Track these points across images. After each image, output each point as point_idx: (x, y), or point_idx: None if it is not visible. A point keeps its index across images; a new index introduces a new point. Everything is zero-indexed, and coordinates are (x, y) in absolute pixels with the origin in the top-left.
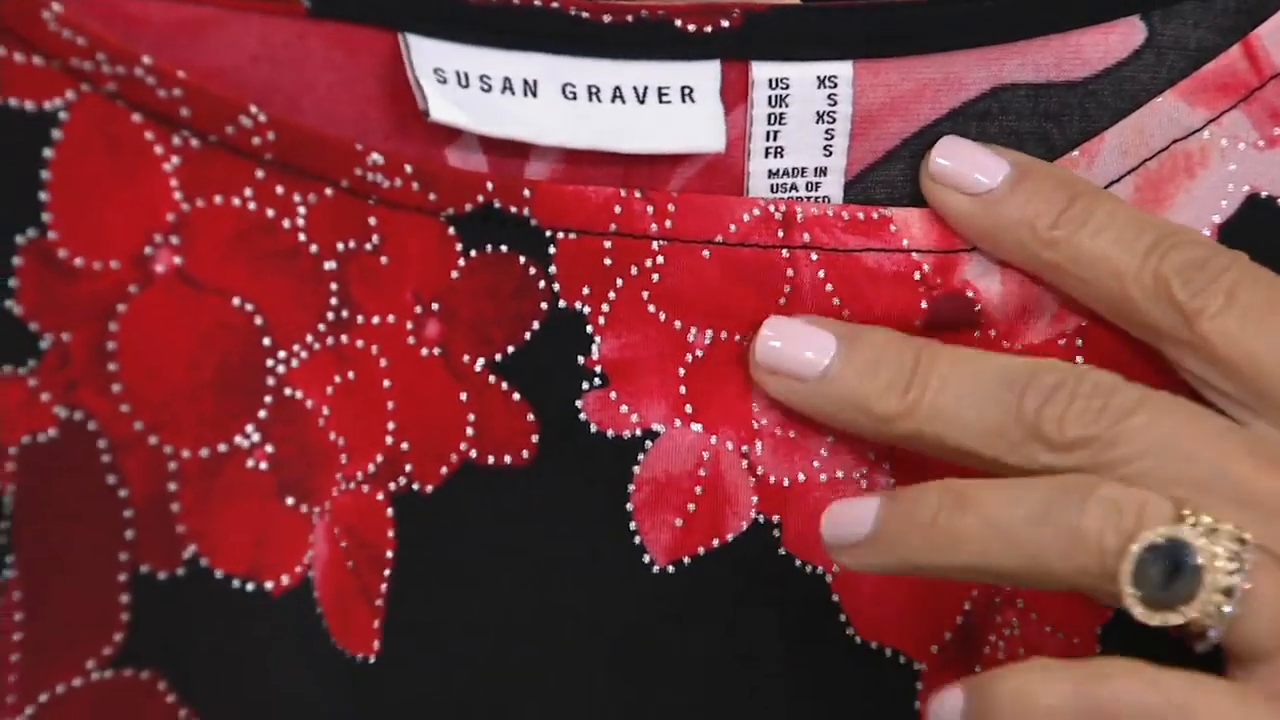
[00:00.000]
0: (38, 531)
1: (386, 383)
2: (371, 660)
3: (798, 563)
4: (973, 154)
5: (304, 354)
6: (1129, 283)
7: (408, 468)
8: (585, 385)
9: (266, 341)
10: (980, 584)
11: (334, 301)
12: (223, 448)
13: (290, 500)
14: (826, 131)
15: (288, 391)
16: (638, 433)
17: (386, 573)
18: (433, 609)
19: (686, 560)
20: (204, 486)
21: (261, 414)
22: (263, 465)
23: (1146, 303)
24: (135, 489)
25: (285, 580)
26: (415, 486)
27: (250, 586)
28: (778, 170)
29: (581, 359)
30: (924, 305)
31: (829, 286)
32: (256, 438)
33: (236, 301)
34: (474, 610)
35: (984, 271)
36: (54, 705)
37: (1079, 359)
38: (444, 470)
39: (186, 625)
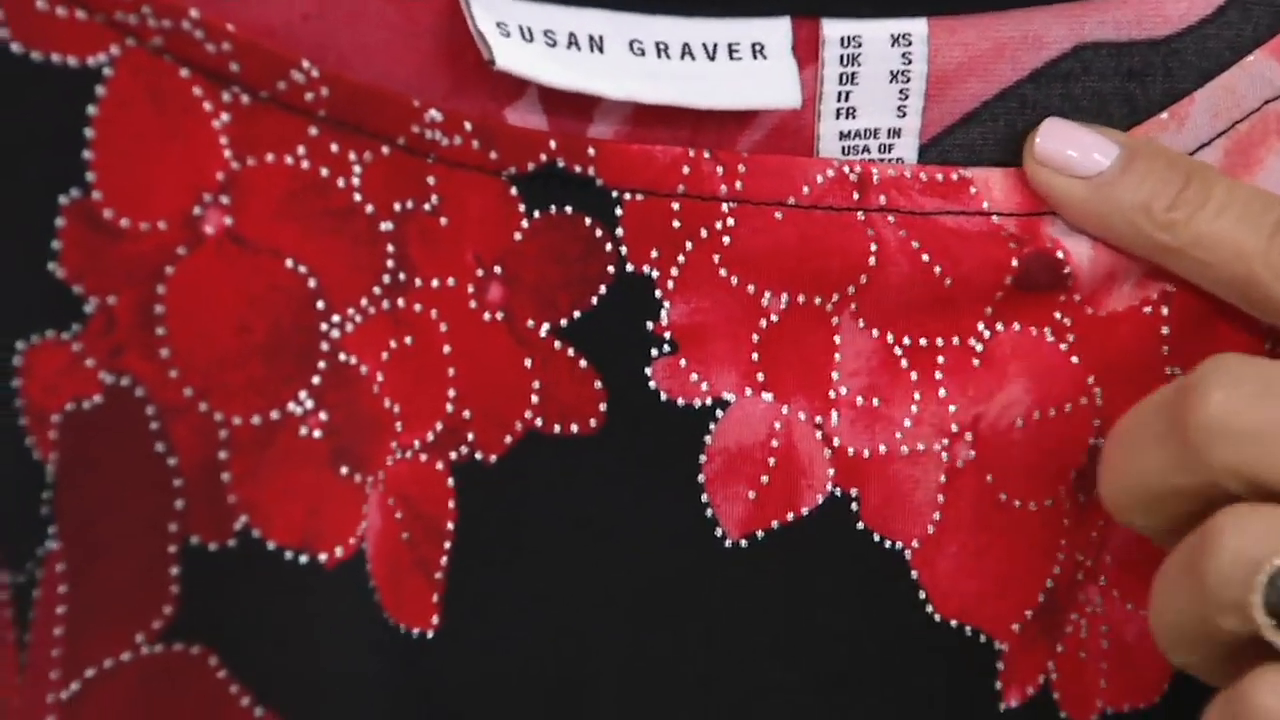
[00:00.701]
0: (82, 501)
1: (446, 348)
2: (429, 635)
3: (876, 538)
4: (1078, 135)
5: (359, 318)
6: (1256, 264)
7: (469, 436)
8: (654, 352)
9: (320, 305)
10: (1066, 560)
11: (390, 264)
12: (275, 415)
13: (344, 469)
14: (901, 92)
15: (342, 357)
16: (708, 401)
17: (446, 545)
18: (496, 582)
19: (760, 534)
20: (256, 455)
21: (315, 380)
22: (316, 433)
23: (1276, 283)
24: (185, 457)
25: (339, 552)
26: (477, 456)
27: (303, 559)
28: (849, 132)
29: (650, 324)
30: (1015, 263)
31: (915, 244)
32: (310, 404)
33: (289, 263)
34: (539, 584)
35: (1069, 233)
36: (101, 680)
37: (1165, 329)
38: (507, 439)
39: (238, 598)
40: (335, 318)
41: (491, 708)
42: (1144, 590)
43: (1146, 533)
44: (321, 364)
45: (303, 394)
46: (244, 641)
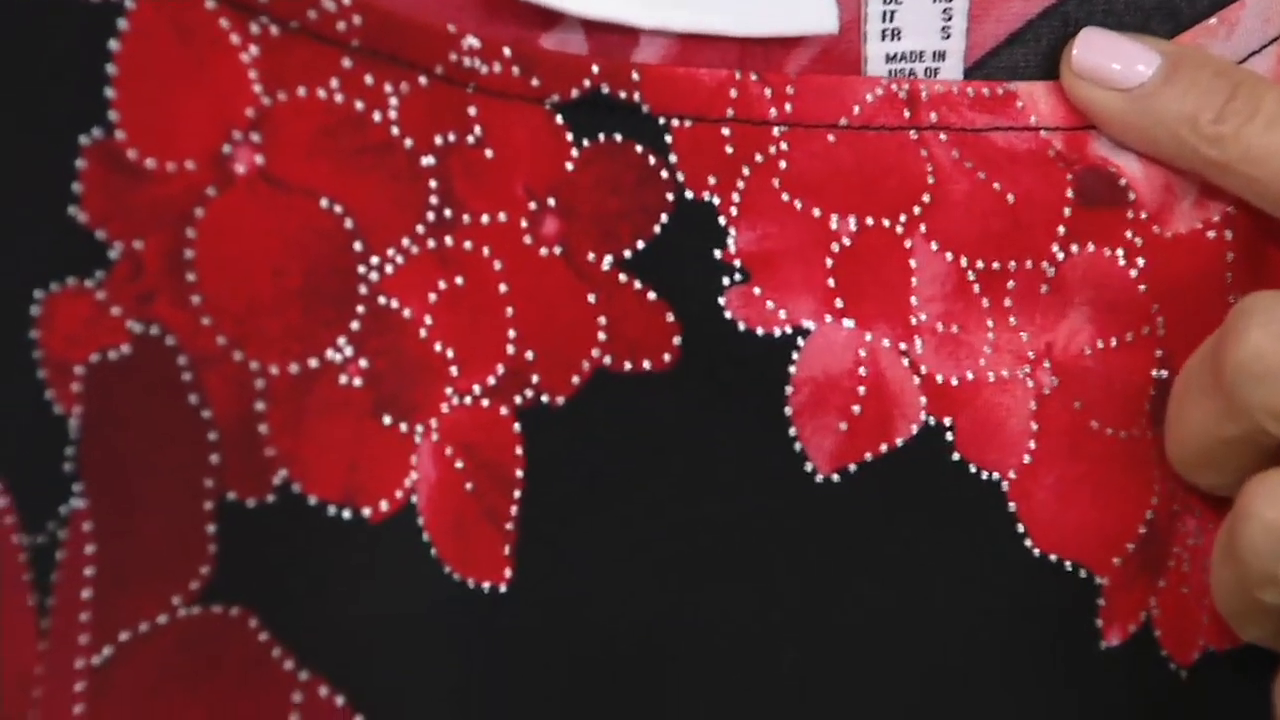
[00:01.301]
0: (111, 457)
1: (503, 287)
2: (503, 589)
3: (972, 469)
4: (1118, 45)
5: (400, 259)
6: None
7: (534, 379)
8: (726, 281)
9: (358, 246)
10: (1161, 490)
11: (434, 200)
12: (313, 363)
13: (388, 419)
14: (944, 12)
15: (382, 300)
16: (788, 330)
17: (516, 494)
18: (572, 530)
19: (853, 467)
20: (294, 405)
21: (354, 325)
22: (356, 381)
23: None
24: (219, 409)
25: (384, 506)
26: (544, 399)
27: (346, 514)
28: (895, 54)
29: (718, 252)
30: (1070, 177)
31: (969, 164)
32: (349, 351)
33: (324, 203)
34: (619, 530)
35: (1115, 149)
36: (136, 644)
37: (1230, 254)
38: (575, 379)
39: (279, 557)
40: (374, 259)
41: (571, 660)
42: None
43: (1219, 491)
44: (360, 308)
45: (341, 340)
46: (286, 602)
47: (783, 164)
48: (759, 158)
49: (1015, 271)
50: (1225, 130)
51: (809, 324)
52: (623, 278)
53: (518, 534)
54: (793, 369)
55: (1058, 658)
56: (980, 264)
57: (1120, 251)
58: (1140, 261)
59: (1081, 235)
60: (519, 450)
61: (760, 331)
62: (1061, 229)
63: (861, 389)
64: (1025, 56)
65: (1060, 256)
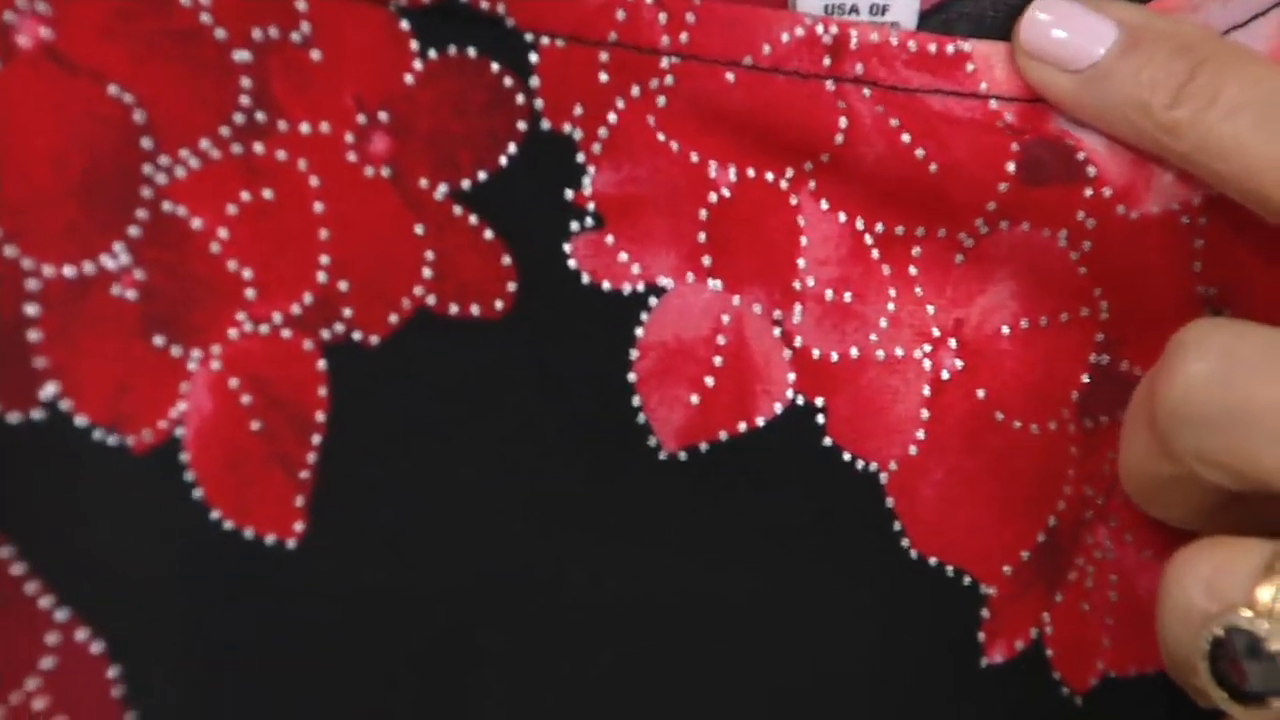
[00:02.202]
0: None
1: (318, 205)
2: (291, 545)
3: (845, 456)
4: (1073, 17)
5: (195, 162)
6: (1267, 180)
7: (346, 312)
8: (575, 225)
9: (145, 143)
10: (1072, 493)
11: (245, 101)
12: (89, 268)
13: (159, 339)
14: None
15: (167, 206)
16: (640, 287)
17: (315, 439)
18: (376, 486)
19: (704, 446)
20: (68, 312)
21: (132, 231)
22: (129, 294)
23: None
24: None
25: (148, 436)
26: (355, 336)
27: (111, 440)
28: None
29: (570, 193)
30: (1015, 148)
31: (894, 121)
32: (125, 259)
33: (113, 90)
34: (429, 489)
35: (1078, 124)
36: None
37: (1199, 241)
38: (393, 318)
39: (40, 481)
40: (163, 159)
41: (365, 632)
42: (1163, 535)
43: (1172, 523)
44: (141, 213)
45: (117, 246)
46: (45, 532)
47: (662, 100)
48: (636, 90)
49: (923, 238)
50: (1180, 116)
51: (665, 281)
52: (457, 210)
53: (314, 484)
54: (640, 331)
55: (933, 673)
56: (880, 227)
57: (1063, 233)
58: (1086, 245)
59: (1016, 213)
60: (322, 390)
61: (607, 286)
62: (991, 205)
63: (718, 359)
64: (994, 4)
65: (983, 230)
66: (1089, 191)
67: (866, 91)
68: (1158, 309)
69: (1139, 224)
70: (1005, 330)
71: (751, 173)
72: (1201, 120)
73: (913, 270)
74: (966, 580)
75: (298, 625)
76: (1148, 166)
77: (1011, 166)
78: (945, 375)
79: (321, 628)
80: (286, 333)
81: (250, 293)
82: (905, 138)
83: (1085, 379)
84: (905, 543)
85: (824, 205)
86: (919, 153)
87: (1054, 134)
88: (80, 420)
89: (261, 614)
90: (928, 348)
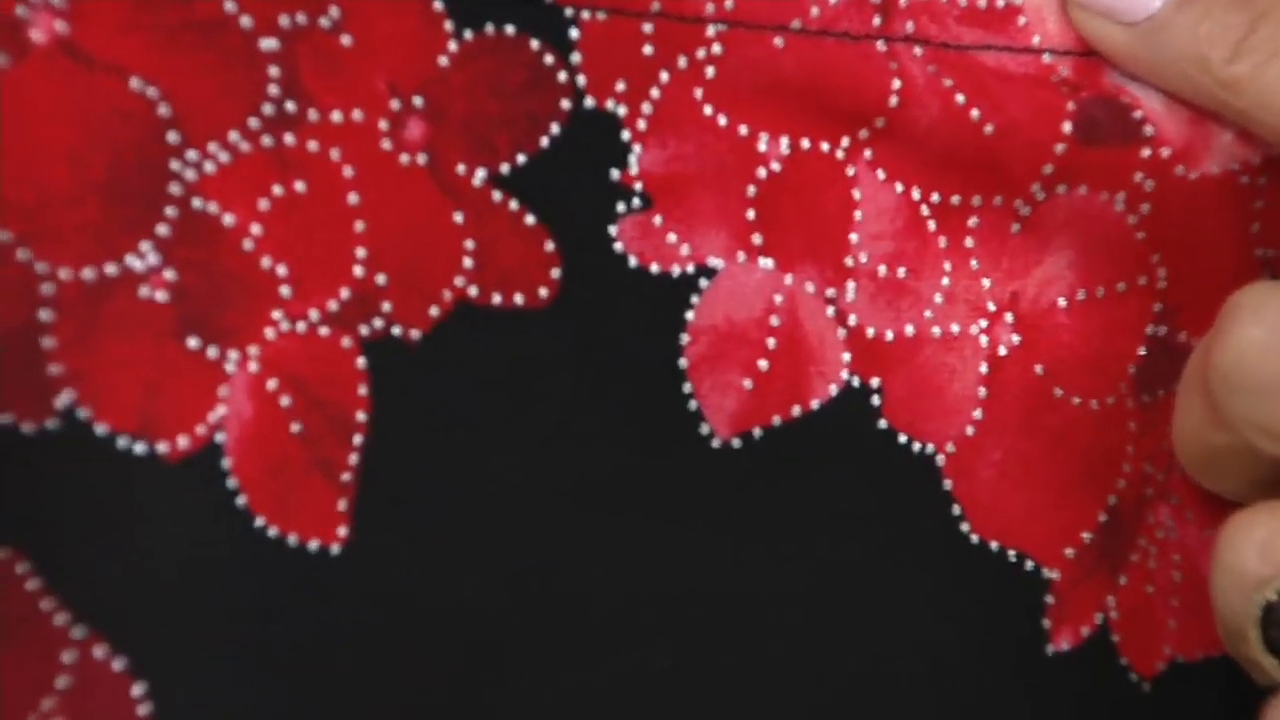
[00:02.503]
0: None
1: (353, 197)
2: (335, 550)
3: (902, 439)
4: None
5: (225, 156)
6: None
7: (385, 307)
8: (621, 207)
9: (172, 137)
10: (1133, 471)
11: (274, 90)
12: (111, 269)
13: (194, 342)
14: None
15: (198, 203)
16: (690, 269)
17: (357, 440)
18: (421, 487)
19: (757, 432)
20: (87, 317)
21: (161, 230)
22: (159, 295)
23: None
24: None
25: (184, 443)
26: (395, 331)
27: (139, 448)
28: None
29: (616, 173)
30: (1071, 107)
31: (947, 81)
32: (154, 259)
33: (135, 84)
34: (475, 488)
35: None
36: None
37: (1260, 202)
38: (434, 311)
39: (57, 493)
40: (191, 154)
41: (412, 639)
42: (1226, 511)
43: (1227, 496)
44: (170, 210)
45: (145, 246)
46: (62, 547)
47: (710, 71)
48: (683, 62)
49: (980, 207)
50: (1240, 71)
51: (716, 262)
52: (497, 196)
53: (357, 488)
54: (690, 315)
55: (998, 662)
56: (936, 197)
57: (1121, 196)
58: (1144, 208)
59: (1073, 176)
60: (363, 390)
61: (656, 269)
62: (1048, 168)
63: (772, 341)
64: None
65: (1040, 196)
66: (1146, 152)
67: (918, 50)
68: (1215, 274)
69: (1198, 185)
70: (1062, 302)
71: (805, 144)
72: (1261, 75)
73: (969, 242)
74: (1029, 565)
75: (342, 632)
76: (1206, 125)
77: (1068, 126)
78: (1003, 351)
79: (367, 633)
80: (324, 330)
81: (286, 290)
82: (960, 98)
83: (1142, 351)
84: (965, 527)
85: (881, 175)
86: (974, 113)
87: (1110, 90)
88: (100, 428)
89: (305, 622)
90: (984, 323)
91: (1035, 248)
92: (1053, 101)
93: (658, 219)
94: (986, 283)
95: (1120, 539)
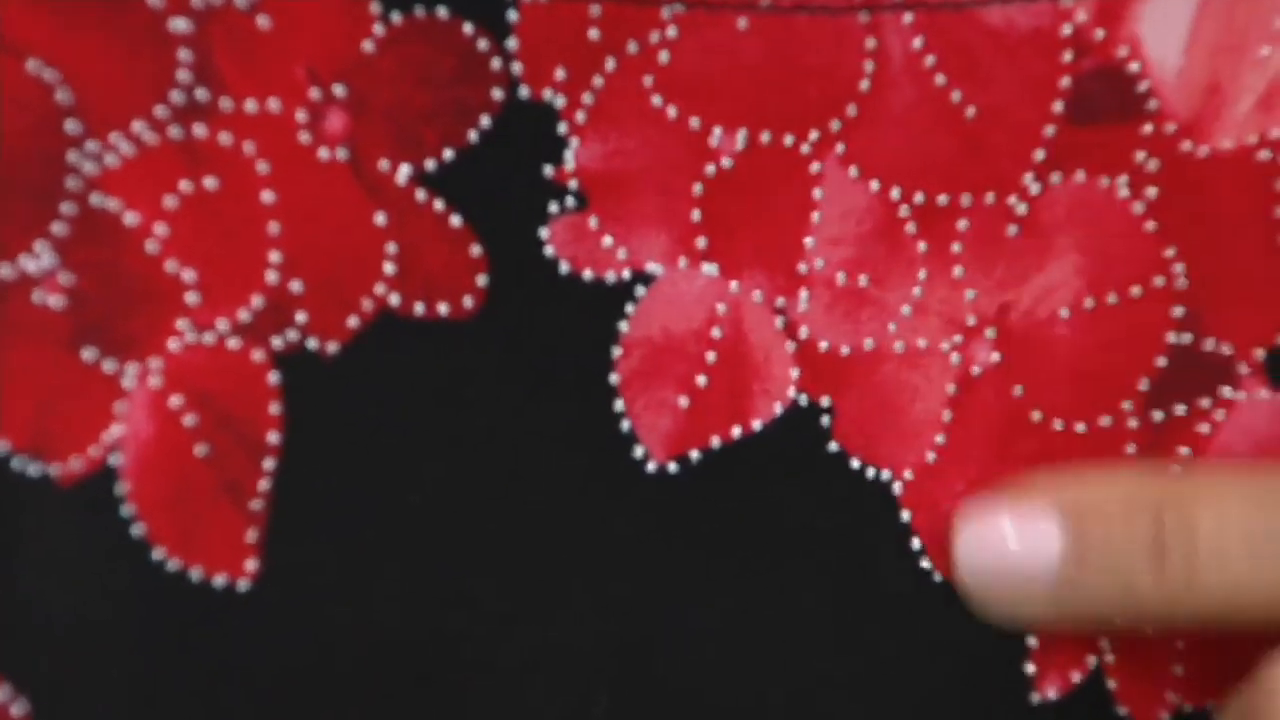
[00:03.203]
0: None
1: (267, 195)
2: (242, 585)
3: (854, 464)
4: (1003, 524)
5: (128, 147)
6: None
7: (299, 317)
8: (554, 207)
9: (71, 126)
10: None
11: (184, 76)
12: (5, 271)
13: (89, 354)
14: None
15: (97, 200)
16: (625, 275)
17: (268, 463)
18: (339, 515)
19: (695, 455)
20: None
21: (57, 228)
22: (53, 301)
23: None
24: None
25: (77, 465)
26: (311, 344)
27: (32, 470)
28: None
29: (550, 170)
30: (1064, 84)
31: (929, 60)
32: (49, 261)
33: (32, 66)
34: (397, 517)
35: (1164, 26)
36: None
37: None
38: (352, 322)
39: None
40: (91, 145)
41: (325, 680)
42: None
43: None
44: (67, 207)
45: (39, 246)
46: None
47: (663, 56)
48: (633, 47)
49: (970, 208)
50: (1174, 589)
51: (654, 268)
52: (421, 195)
53: (267, 516)
54: (624, 326)
55: (974, 713)
56: (920, 197)
57: (1122, 180)
58: (1150, 192)
59: (1067, 160)
60: (275, 408)
61: (589, 275)
62: (1039, 153)
63: (711, 355)
64: None
65: (1034, 189)
66: (1148, 128)
67: (908, 17)
68: (1238, 266)
69: (1209, 163)
70: (1064, 314)
71: (765, 137)
72: (1199, 582)
73: (955, 247)
74: None
75: (249, 675)
76: (1218, 93)
77: (1059, 105)
78: (976, 370)
79: (276, 676)
80: (234, 342)
81: (192, 297)
82: (940, 79)
83: (1161, 363)
84: (926, 564)
85: (853, 172)
86: (955, 95)
87: (1117, 61)
88: None
89: (209, 664)
90: (958, 339)
91: (1036, 250)
92: (1043, 77)
93: (592, 220)
94: (970, 294)
95: None
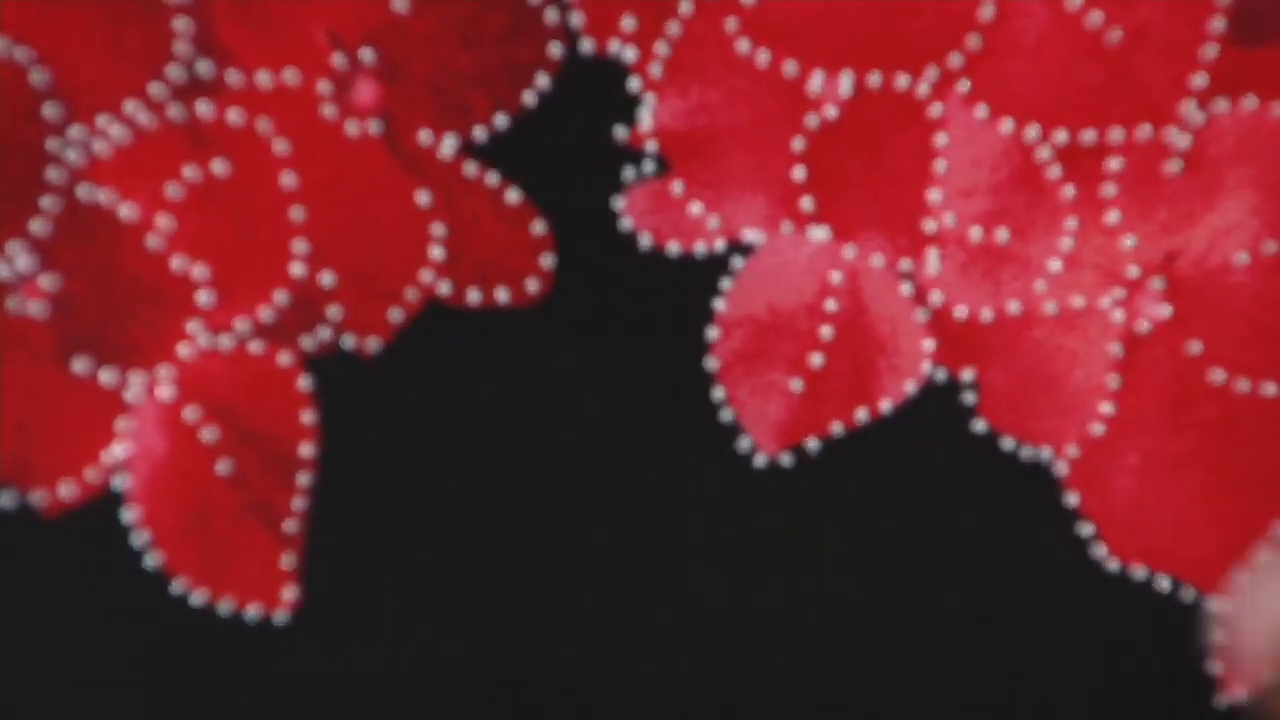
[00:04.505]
0: None
1: (288, 178)
2: (280, 618)
3: (1007, 444)
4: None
5: (119, 131)
6: None
7: (332, 313)
8: (630, 174)
9: (50, 111)
10: None
11: (182, 49)
12: None
13: (82, 365)
14: None
15: (84, 192)
16: (719, 246)
17: (302, 480)
18: (388, 535)
19: (812, 445)
20: None
21: (36, 226)
22: (34, 308)
23: None
24: None
25: (67, 491)
26: (347, 342)
27: (6, 499)
28: None
29: (622, 132)
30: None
31: None
32: (26, 263)
33: (1, 46)
34: (456, 536)
35: None
36: None
37: None
38: (395, 315)
39: None
40: (75, 131)
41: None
42: None
43: None
44: (48, 201)
45: (13, 247)
46: None
47: None
48: None
49: (1121, 145)
50: None
51: (754, 236)
52: (471, 169)
53: (304, 539)
54: (721, 304)
55: (1152, 717)
56: (1062, 135)
57: None
58: None
59: (1233, 85)
60: (307, 417)
61: (675, 248)
62: (1199, 78)
63: (827, 330)
64: None
65: (1197, 120)
66: None
67: None
68: None
69: None
70: (1243, 258)
71: (875, 80)
72: None
73: (1108, 190)
74: (1186, 595)
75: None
76: None
77: (1218, 22)
78: (1144, 327)
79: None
80: (256, 345)
81: (205, 296)
82: (1074, 1)
83: None
84: (1101, 550)
85: (982, 112)
86: (1094, 17)
87: None
88: None
89: (245, 708)
90: (1120, 293)
91: (1203, 190)
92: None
93: (676, 186)
94: (1129, 241)
95: None
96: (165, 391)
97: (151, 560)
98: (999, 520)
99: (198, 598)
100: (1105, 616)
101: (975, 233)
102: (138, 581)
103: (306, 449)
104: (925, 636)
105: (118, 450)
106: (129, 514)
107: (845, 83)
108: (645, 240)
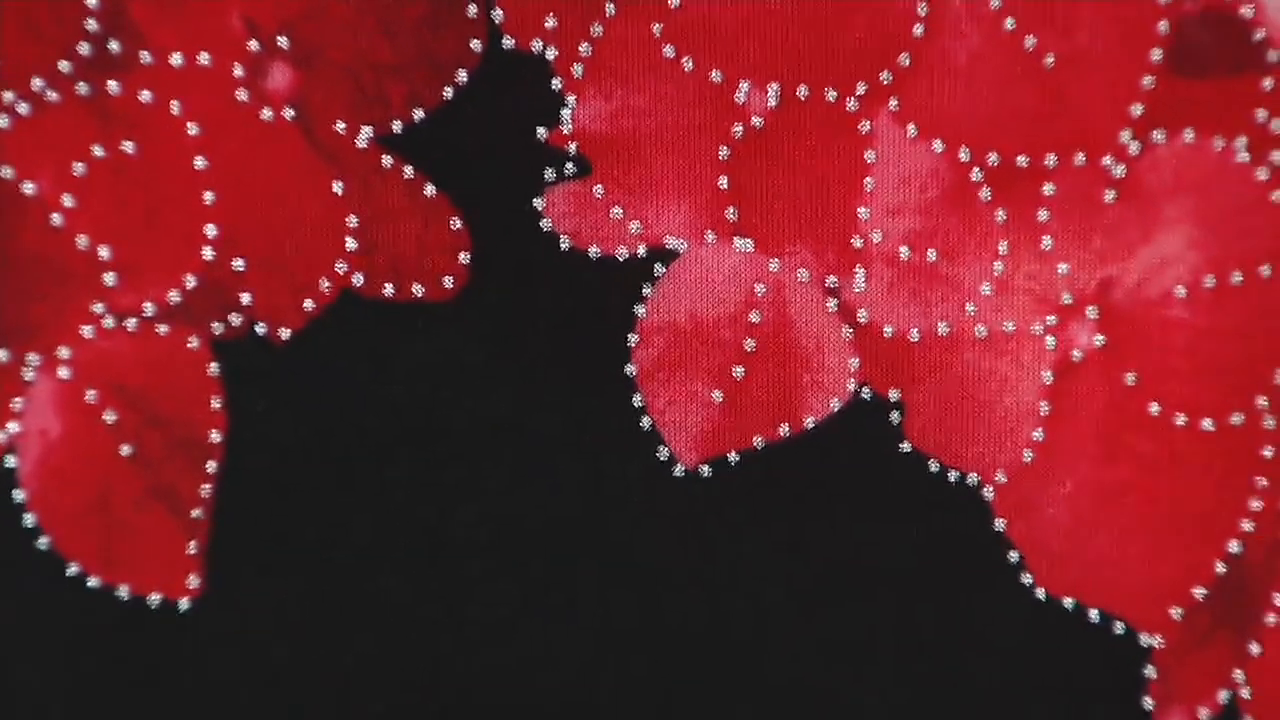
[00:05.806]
0: None
1: (200, 160)
2: (184, 605)
3: (932, 467)
4: None
5: (24, 108)
6: None
7: (243, 299)
8: (550, 174)
9: None
10: (1260, 511)
11: (93, 25)
12: None
13: None
14: None
15: None
16: (641, 252)
17: (209, 466)
18: (295, 523)
19: (732, 457)
20: None
21: None
22: None
23: None
24: None
25: None
26: (259, 329)
27: None
28: None
29: (543, 131)
30: (1162, 28)
31: (995, 2)
32: None
33: None
34: (364, 527)
35: None
36: None
37: None
38: (308, 304)
39: None
40: None
41: (283, 706)
42: None
43: None
44: None
45: None
46: None
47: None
48: None
49: (1056, 169)
50: None
51: (676, 243)
52: (387, 161)
53: (210, 526)
54: (642, 311)
55: None
56: (994, 158)
57: (1240, 142)
58: (1276, 156)
59: (1171, 119)
60: (216, 403)
61: (595, 251)
62: (1136, 108)
63: (750, 342)
64: None
65: (1134, 149)
66: (1268, 83)
67: None
68: None
69: None
70: (1180, 292)
71: (802, 92)
72: None
73: (1041, 215)
74: (1119, 629)
75: (193, 705)
76: None
77: (1157, 54)
78: (1077, 355)
79: (225, 708)
80: (162, 328)
81: (110, 277)
82: (1009, 22)
83: None
84: (1027, 579)
85: (911, 131)
86: (1029, 41)
87: (1227, 1)
88: None
89: (146, 692)
90: (1052, 319)
91: (1139, 220)
92: (1137, 20)
93: (597, 189)
94: (1062, 268)
95: (1246, 596)
96: (64, 372)
97: (41, 541)
98: (924, 542)
99: (94, 581)
100: (1031, 640)
101: (904, 251)
102: (32, 563)
103: (215, 435)
104: (845, 655)
105: (11, 428)
106: (19, 495)
107: (772, 94)
108: (565, 241)
